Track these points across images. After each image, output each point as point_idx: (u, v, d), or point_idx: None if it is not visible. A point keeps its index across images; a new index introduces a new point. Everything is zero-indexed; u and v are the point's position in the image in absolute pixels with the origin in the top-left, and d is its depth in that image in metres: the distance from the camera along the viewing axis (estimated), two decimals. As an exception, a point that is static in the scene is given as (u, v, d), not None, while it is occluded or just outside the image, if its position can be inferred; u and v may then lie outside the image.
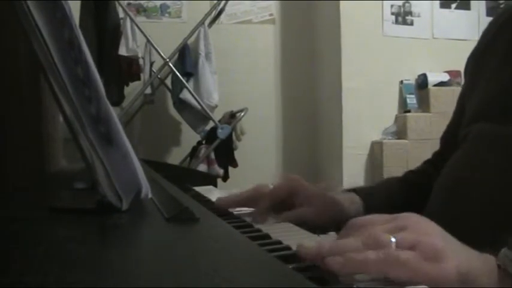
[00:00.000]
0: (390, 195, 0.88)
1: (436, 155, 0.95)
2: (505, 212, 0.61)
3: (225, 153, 3.19)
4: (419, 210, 0.84)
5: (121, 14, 3.21)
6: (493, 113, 0.70)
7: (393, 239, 0.45)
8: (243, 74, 3.97)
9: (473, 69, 0.81)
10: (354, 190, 0.85)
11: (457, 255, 0.45)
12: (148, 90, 3.33)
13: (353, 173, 3.56)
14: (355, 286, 0.41)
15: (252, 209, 0.76)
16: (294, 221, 0.72)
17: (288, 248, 0.51)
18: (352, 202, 0.82)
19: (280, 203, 0.77)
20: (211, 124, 3.21)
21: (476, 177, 0.67)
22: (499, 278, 0.46)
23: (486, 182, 0.65)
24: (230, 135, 3.11)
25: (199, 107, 3.10)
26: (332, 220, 0.77)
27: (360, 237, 0.46)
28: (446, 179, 0.74)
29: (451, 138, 0.89)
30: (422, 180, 0.90)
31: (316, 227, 0.74)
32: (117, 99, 3.15)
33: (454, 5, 3.90)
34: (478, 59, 0.80)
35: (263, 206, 0.74)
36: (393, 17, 3.76)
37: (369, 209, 0.82)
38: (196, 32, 3.20)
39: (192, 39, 3.23)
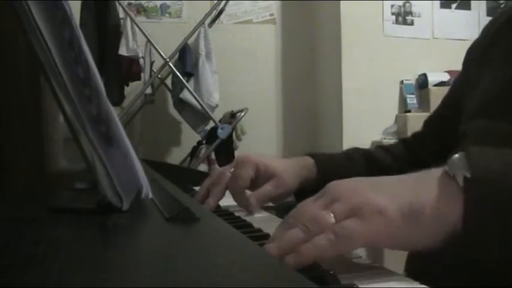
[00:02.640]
0: (347, 165, 0.89)
1: (415, 137, 0.95)
2: None
3: (226, 153, 3.19)
4: None
5: (121, 14, 3.21)
6: (492, 111, 0.71)
7: (331, 214, 0.45)
8: (243, 74, 3.97)
9: (473, 66, 0.82)
10: (311, 155, 0.88)
11: (393, 198, 0.45)
12: (148, 90, 3.33)
13: (353, 173, 3.56)
14: (355, 286, 0.41)
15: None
16: (263, 201, 0.77)
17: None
18: (303, 166, 0.85)
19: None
20: (211, 124, 3.20)
21: None
22: (442, 186, 0.45)
23: None
24: (230, 135, 3.11)
25: (199, 107, 3.10)
26: (297, 187, 0.82)
27: (300, 225, 0.46)
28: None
29: (435, 124, 0.90)
30: (387, 158, 0.91)
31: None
32: (117, 99, 3.15)
33: (454, 5, 3.90)
34: (479, 57, 0.81)
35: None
36: (393, 17, 3.76)
37: (322, 175, 0.84)
38: (197, 32, 3.20)
39: (192, 39, 3.23)
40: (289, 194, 0.82)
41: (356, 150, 0.95)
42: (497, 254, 0.44)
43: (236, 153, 3.27)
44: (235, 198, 0.81)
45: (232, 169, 0.82)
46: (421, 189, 0.46)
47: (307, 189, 0.82)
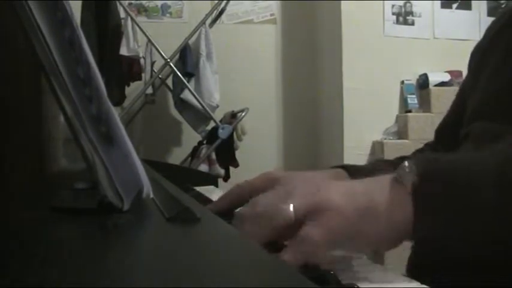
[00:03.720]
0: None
1: (428, 146, 0.95)
2: None
3: (226, 153, 3.19)
4: None
5: (122, 14, 3.21)
6: (493, 112, 0.71)
7: (291, 204, 0.46)
8: (244, 74, 3.98)
9: (475, 67, 0.82)
10: (343, 167, 0.86)
11: (349, 198, 0.47)
12: (149, 90, 3.33)
13: (354, 173, 3.56)
14: (355, 286, 0.41)
15: None
16: None
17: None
18: (334, 179, 0.82)
19: None
20: (212, 124, 3.21)
21: None
22: (393, 190, 0.47)
23: None
24: (231, 135, 3.11)
25: (200, 107, 3.10)
26: None
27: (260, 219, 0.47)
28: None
29: (446, 131, 0.89)
30: None
31: None
32: (118, 99, 3.15)
33: (455, 5, 3.90)
34: (480, 58, 0.81)
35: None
36: (394, 17, 3.76)
37: None
38: (197, 32, 3.20)
39: (193, 39, 3.23)
40: None
41: (381, 160, 0.95)
42: (453, 249, 0.46)
43: (237, 153, 3.28)
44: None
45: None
46: (374, 192, 0.48)
47: None
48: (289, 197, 0.47)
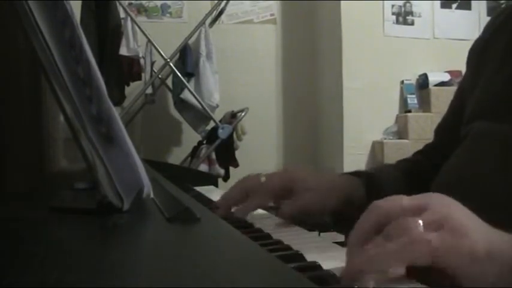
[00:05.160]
0: (392, 182, 0.85)
1: (429, 147, 0.94)
2: (505, 211, 0.61)
3: (226, 153, 3.19)
4: None
5: (122, 14, 3.21)
6: (492, 112, 0.70)
7: (421, 222, 0.42)
8: (244, 74, 3.98)
9: (474, 65, 0.81)
10: (355, 173, 0.83)
11: (480, 231, 0.44)
12: (149, 90, 3.33)
13: (354, 173, 3.56)
14: (355, 286, 0.41)
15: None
16: (296, 214, 0.72)
17: (289, 247, 0.51)
18: (346, 183, 0.80)
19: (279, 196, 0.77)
20: (212, 124, 3.21)
21: (477, 176, 0.67)
22: None
23: (487, 181, 0.65)
24: (231, 135, 3.11)
25: (200, 107, 3.10)
26: (334, 205, 0.76)
27: (391, 236, 0.43)
28: (446, 177, 0.73)
29: (446, 131, 0.88)
30: (416, 170, 0.89)
31: (319, 216, 0.75)
32: (118, 99, 3.15)
33: (454, 5, 3.90)
34: (479, 56, 0.80)
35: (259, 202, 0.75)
36: (394, 17, 3.76)
37: (370, 194, 0.79)
38: (197, 32, 3.20)
39: (193, 39, 3.23)
40: (326, 209, 0.76)
41: (388, 166, 0.93)
42: None
43: (237, 153, 3.28)
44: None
45: (263, 178, 0.78)
46: (506, 241, 0.45)
47: (345, 209, 0.76)
48: (423, 210, 0.44)
